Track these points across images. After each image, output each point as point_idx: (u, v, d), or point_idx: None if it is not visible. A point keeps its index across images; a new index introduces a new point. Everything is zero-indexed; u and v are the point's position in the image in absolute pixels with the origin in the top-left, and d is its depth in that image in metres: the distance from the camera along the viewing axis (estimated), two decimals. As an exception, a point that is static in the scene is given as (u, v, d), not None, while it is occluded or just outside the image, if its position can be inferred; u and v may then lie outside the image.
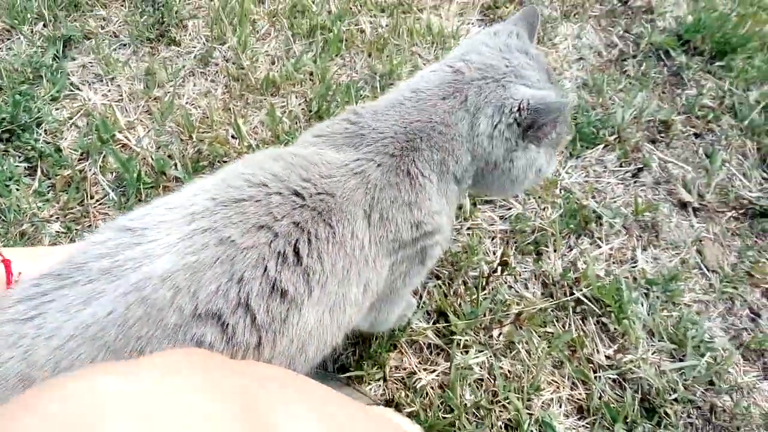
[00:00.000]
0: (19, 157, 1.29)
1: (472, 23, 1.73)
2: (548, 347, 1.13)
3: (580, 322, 1.19)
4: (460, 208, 1.30)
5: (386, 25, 1.66)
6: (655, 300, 1.21)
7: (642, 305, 1.20)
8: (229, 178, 0.69)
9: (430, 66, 0.86)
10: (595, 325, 1.18)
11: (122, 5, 1.58)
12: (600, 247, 1.29)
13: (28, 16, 1.49)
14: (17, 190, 1.22)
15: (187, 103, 1.43)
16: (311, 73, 1.50)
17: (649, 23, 1.79)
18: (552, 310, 1.19)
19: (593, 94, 1.57)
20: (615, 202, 1.37)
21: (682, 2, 1.84)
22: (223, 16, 1.54)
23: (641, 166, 1.43)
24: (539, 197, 1.35)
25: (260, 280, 0.62)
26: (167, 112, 1.37)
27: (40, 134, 1.32)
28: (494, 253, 1.26)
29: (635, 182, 1.42)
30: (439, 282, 1.21)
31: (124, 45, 1.51)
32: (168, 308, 0.57)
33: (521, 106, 0.76)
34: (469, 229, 1.30)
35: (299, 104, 1.44)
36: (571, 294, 1.20)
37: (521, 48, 0.83)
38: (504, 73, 0.78)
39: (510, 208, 1.33)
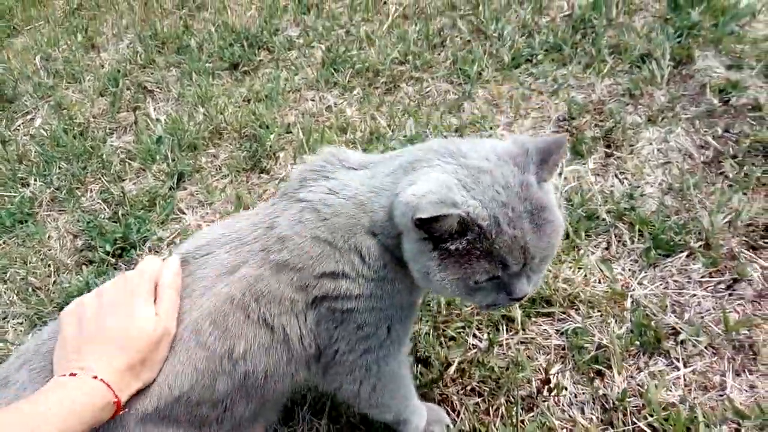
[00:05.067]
0: (126, 269, 1.52)
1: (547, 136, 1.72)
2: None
3: (647, 459, 0.99)
4: (509, 319, 1.22)
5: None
6: (748, 438, 0.98)
7: (731, 444, 0.98)
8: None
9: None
10: (666, 464, 0.98)
11: (229, 144, 1.87)
12: (678, 369, 1.10)
13: (158, 157, 1.83)
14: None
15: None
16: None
17: (756, 120, 1.63)
18: (610, 441, 1.02)
19: (677, 198, 1.42)
20: (702, 317, 1.18)
21: (795, 97, 1.65)
22: (306, 147, 1.74)
23: (736, 276, 1.23)
24: (604, 310, 1.21)
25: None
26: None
27: (143, 251, 1.55)
28: (546, 371, 1.14)
29: (730, 295, 1.21)
30: (479, 400, 1.12)
31: (225, 176, 1.76)
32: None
33: None
34: (520, 342, 1.20)
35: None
36: (634, 423, 1.02)
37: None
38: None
39: (567, 321, 1.21)
